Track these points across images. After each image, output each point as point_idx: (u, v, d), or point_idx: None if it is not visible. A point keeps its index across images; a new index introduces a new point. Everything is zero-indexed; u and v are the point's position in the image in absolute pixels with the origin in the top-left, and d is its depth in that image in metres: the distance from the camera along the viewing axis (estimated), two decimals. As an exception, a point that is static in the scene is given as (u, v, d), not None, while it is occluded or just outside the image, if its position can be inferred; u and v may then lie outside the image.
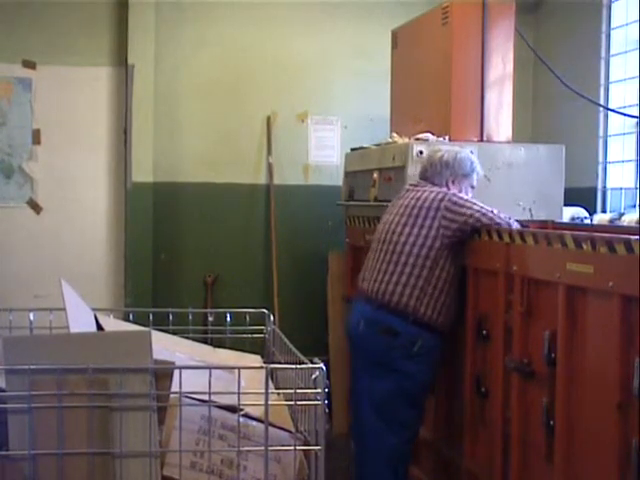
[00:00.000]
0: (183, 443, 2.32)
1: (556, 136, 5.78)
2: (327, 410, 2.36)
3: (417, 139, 4.53)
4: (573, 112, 5.82)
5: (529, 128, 6.38)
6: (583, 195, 5.46)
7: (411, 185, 4.00)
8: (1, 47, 5.98)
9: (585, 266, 2.86)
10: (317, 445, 2.35)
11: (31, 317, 2.99)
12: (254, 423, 2.43)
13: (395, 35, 5.42)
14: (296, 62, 6.35)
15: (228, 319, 3.27)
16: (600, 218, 4.77)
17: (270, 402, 2.30)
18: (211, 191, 6.26)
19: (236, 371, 2.31)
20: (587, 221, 4.65)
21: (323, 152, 6.43)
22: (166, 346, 2.76)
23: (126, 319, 3.43)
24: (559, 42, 6.13)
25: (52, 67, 6.08)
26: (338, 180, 5.78)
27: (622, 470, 2.70)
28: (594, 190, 5.73)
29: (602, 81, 5.70)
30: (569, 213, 4.69)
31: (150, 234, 6.10)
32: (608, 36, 5.72)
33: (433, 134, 4.55)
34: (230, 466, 2.40)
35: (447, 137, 4.55)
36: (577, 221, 4.54)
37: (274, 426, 2.43)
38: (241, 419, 2.39)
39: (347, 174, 5.47)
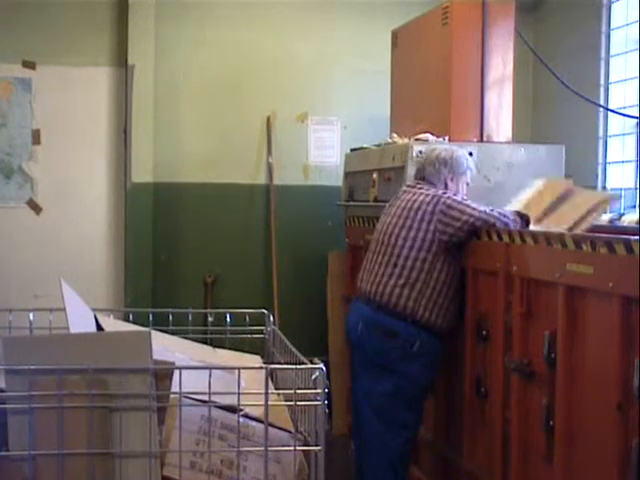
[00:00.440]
0: (183, 443, 2.32)
1: (556, 136, 5.78)
2: (327, 410, 2.36)
3: (417, 139, 4.53)
4: (573, 112, 5.82)
5: (529, 128, 6.38)
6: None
7: (408, 186, 4.00)
8: (1, 47, 5.97)
9: (585, 266, 2.86)
10: (317, 445, 2.35)
11: (31, 317, 2.99)
12: (254, 423, 2.43)
13: (395, 35, 5.42)
14: (296, 62, 6.35)
15: (228, 319, 3.27)
16: (600, 219, 4.77)
17: (270, 402, 2.30)
18: (211, 191, 6.26)
19: (236, 371, 2.31)
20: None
21: (323, 152, 6.43)
22: (166, 346, 2.76)
23: (126, 319, 3.43)
24: (559, 42, 6.12)
25: (52, 67, 6.08)
26: (338, 180, 5.78)
27: (622, 471, 2.70)
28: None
29: (602, 81, 5.70)
30: (569, 213, 4.68)
31: (150, 234, 6.10)
32: (608, 36, 5.72)
33: (433, 134, 4.56)
34: (230, 466, 2.40)
35: (447, 137, 4.55)
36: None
37: (274, 426, 2.43)
38: (241, 419, 2.39)
39: (347, 174, 5.47)
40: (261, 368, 2.62)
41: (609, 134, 5.72)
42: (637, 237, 2.63)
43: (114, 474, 2.26)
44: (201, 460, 2.39)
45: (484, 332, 3.68)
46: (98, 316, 2.85)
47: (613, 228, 4.04)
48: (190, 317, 3.28)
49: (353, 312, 4.00)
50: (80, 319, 2.65)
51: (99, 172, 6.23)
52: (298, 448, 2.41)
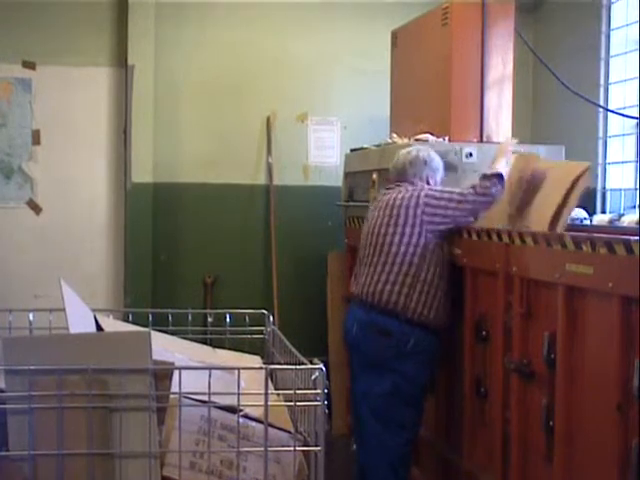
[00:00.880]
0: (183, 444, 2.33)
1: (556, 137, 5.78)
2: (327, 411, 2.36)
3: (417, 140, 4.53)
4: (573, 113, 5.82)
5: (529, 129, 6.38)
6: (583, 196, 5.42)
7: (388, 188, 4.05)
8: (1, 47, 5.98)
9: (585, 267, 2.86)
10: (317, 446, 2.35)
11: (31, 317, 2.99)
12: (254, 424, 2.43)
13: (395, 35, 5.42)
14: (296, 62, 6.35)
15: (228, 320, 3.27)
16: (600, 219, 4.77)
17: (270, 403, 2.30)
18: (211, 192, 6.27)
19: (236, 372, 2.31)
20: (587, 222, 4.65)
21: (323, 153, 6.43)
22: (165, 347, 2.76)
23: (125, 320, 3.43)
24: (559, 43, 6.13)
25: (52, 67, 6.08)
26: (338, 181, 5.78)
27: (621, 471, 2.70)
28: (594, 191, 5.72)
29: (602, 82, 5.70)
30: (569, 214, 4.68)
31: (150, 234, 6.10)
32: (608, 37, 5.72)
33: (433, 135, 4.56)
34: (230, 467, 2.40)
35: (447, 138, 4.55)
36: (577, 222, 4.53)
37: (274, 427, 2.43)
38: (241, 420, 2.39)
39: (347, 175, 5.47)
40: (261, 368, 2.62)
41: (609, 134, 5.72)
42: (637, 237, 2.63)
43: (114, 474, 2.27)
44: (201, 460, 2.39)
45: (484, 332, 3.68)
46: (98, 316, 2.85)
47: (613, 228, 4.04)
48: (190, 317, 3.28)
49: (348, 315, 4.03)
50: (80, 319, 2.65)
51: (99, 172, 6.23)
52: (298, 448, 2.41)
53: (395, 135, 4.94)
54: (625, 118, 5.45)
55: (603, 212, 5.51)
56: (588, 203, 5.38)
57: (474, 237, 3.76)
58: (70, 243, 6.17)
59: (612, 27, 5.71)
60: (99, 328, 2.76)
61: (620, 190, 5.58)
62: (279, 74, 6.34)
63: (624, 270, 2.65)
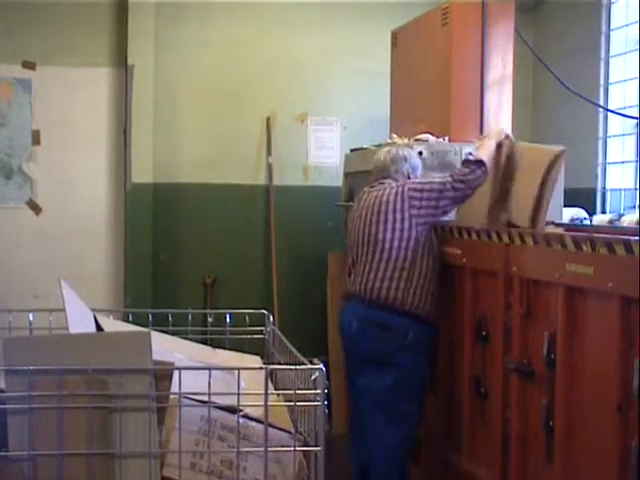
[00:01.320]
0: (183, 444, 2.32)
1: (556, 137, 5.77)
2: (326, 411, 2.36)
3: (417, 140, 4.53)
4: (573, 113, 5.82)
5: (529, 129, 6.38)
6: (583, 196, 5.46)
7: (370, 187, 4.11)
8: (1, 48, 5.97)
9: (585, 267, 2.86)
10: (317, 446, 2.35)
11: (31, 318, 2.99)
12: (254, 424, 2.43)
13: (395, 35, 5.42)
14: (296, 63, 6.35)
15: (228, 320, 3.27)
16: (600, 219, 4.77)
17: (270, 403, 2.30)
18: (211, 192, 6.26)
19: (236, 372, 2.31)
20: (587, 222, 4.65)
21: (323, 153, 6.43)
22: (165, 347, 2.76)
23: (125, 320, 3.43)
24: (559, 43, 6.13)
25: (52, 68, 6.08)
26: (338, 181, 5.78)
27: (621, 471, 2.70)
28: (594, 191, 5.73)
29: (602, 82, 5.70)
30: (569, 214, 4.68)
31: (150, 235, 6.10)
32: (608, 37, 5.73)
33: (433, 135, 4.55)
34: (230, 467, 2.40)
35: (447, 138, 4.55)
36: (577, 222, 4.54)
37: (274, 427, 2.43)
38: (241, 420, 2.39)
39: (347, 175, 5.47)
40: (261, 369, 2.62)
41: (609, 134, 5.72)
42: (637, 238, 2.63)
43: (114, 474, 2.26)
44: (201, 460, 2.39)
45: (484, 332, 3.68)
46: (98, 316, 2.85)
47: (613, 228, 4.04)
48: (190, 317, 3.28)
49: (346, 312, 4.07)
50: (80, 319, 2.65)
51: (99, 172, 6.23)
52: (298, 448, 2.41)
53: (395, 135, 4.93)
54: (625, 118, 5.46)
55: (603, 212, 5.52)
56: (588, 203, 5.39)
57: (474, 237, 3.77)
58: (70, 243, 6.16)
59: (612, 27, 5.71)
60: (99, 328, 2.76)
61: (620, 190, 5.59)
62: (279, 74, 6.34)
63: (624, 270, 2.65)
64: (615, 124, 5.69)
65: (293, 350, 2.74)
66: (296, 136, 6.39)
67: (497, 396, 3.55)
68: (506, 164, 3.85)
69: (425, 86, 4.97)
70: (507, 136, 3.94)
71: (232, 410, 2.39)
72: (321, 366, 2.34)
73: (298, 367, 2.46)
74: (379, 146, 5.01)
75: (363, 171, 5.09)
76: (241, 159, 6.32)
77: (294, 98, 6.37)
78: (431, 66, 4.90)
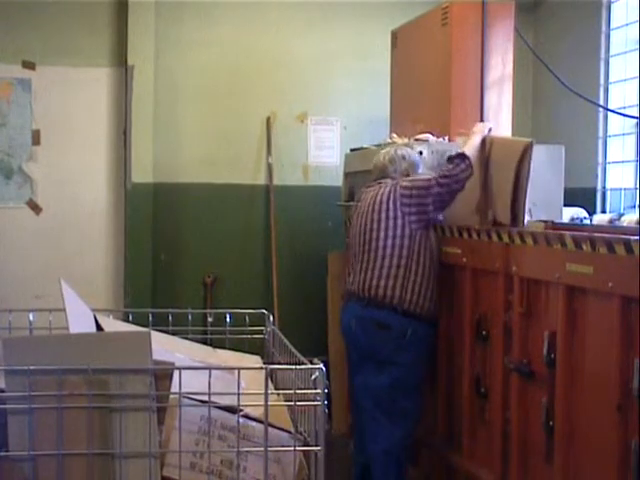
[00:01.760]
0: (183, 444, 2.33)
1: (556, 136, 5.78)
2: (327, 411, 2.36)
3: (417, 139, 4.53)
4: (573, 112, 5.82)
5: (529, 128, 6.37)
6: (583, 195, 5.46)
7: (368, 186, 4.19)
8: (1, 48, 5.97)
9: (585, 267, 2.86)
10: (317, 446, 2.35)
11: (31, 318, 2.99)
12: (254, 424, 2.44)
13: (395, 35, 5.41)
14: (296, 62, 6.35)
15: (228, 320, 3.27)
16: (600, 219, 4.76)
17: (270, 403, 2.30)
18: (211, 191, 6.26)
19: (236, 372, 2.31)
20: (587, 222, 4.65)
21: (323, 153, 6.43)
22: (166, 347, 2.76)
23: (125, 319, 3.44)
24: (559, 42, 6.13)
25: (52, 68, 6.07)
26: (338, 181, 5.78)
27: (621, 471, 2.70)
28: (594, 191, 5.73)
29: (602, 81, 5.70)
30: (569, 214, 4.68)
31: (150, 234, 6.10)
32: (608, 36, 5.72)
33: (433, 134, 4.55)
34: (230, 467, 2.40)
35: (447, 137, 4.55)
36: (577, 222, 4.53)
37: (274, 427, 2.43)
38: (241, 420, 2.39)
39: (347, 175, 5.46)
40: (261, 368, 2.62)
41: (609, 134, 5.72)
42: (637, 237, 2.63)
43: (114, 474, 2.26)
44: (201, 460, 2.39)
45: (484, 332, 3.68)
46: (98, 316, 2.85)
47: (613, 228, 4.04)
48: (190, 317, 3.28)
49: (345, 312, 4.12)
50: (80, 319, 2.65)
51: (99, 172, 6.23)
52: (298, 448, 2.41)
53: (395, 135, 4.93)
54: (625, 118, 5.45)
55: (603, 212, 5.51)
56: (588, 203, 5.39)
57: (474, 237, 3.77)
58: (70, 243, 6.16)
59: (612, 27, 5.71)
60: (99, 328, 2.76)
61: (620, 190, 5.59)
62: (279, 74, 6.34)
63: (624, 270, 2.65)
64: (615, 124, 5.68)
65: (293, 350, 2.74)
66: (296, 136, 6.39)
67: (497, 396, 3.56)
68: (485, 159, 3.88)
69: (425, 86, 4.97)
70: (490, 130, 3.98)
71: (232, 410, 2.40)
72: (321, 366, 2.35)
73: (298, 367, 2.46)
74: (379, 146, 5.01)
75: (363, 171, 5.09)
76: (241, 159, 6.32)
77: (294, 98, 6.37)
78: (431, 66, 4.90)
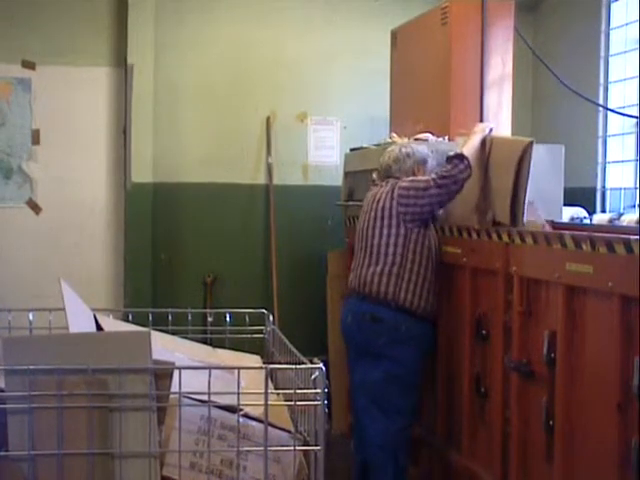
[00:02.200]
0: (183, 443, 2.32)
1: (555, 136, 5.78)
2: (326, 410, 2.36)
3: (417, 139, 4.52)
4: (572, 112, 5.82)
5: (528, 128, 6.37)
6: (583, 195, 5.46)
7: (374, 185, 4.23)
8: (0, 47, 5.97)
9: (584, 266, 2.86)
10: (317, 445, 2.35)
11: (30, 317, 2.99)
12: (254, 423, 2.44)
13: (394, 35, 5.41)
14: (295, 62, 6.35)
15: (227, 319, 3.27)
16: (599, 218, 4.77)
17: (270, 402, 2.30)
18: (210, 191, 6.26)
19: (235, 371, 2.31)
20: (586, 221, 4.65)
21: (323, 152, 6.43)
22: (165, 346, 2.76)
23: (125, 319, 3.43)
24: (558, 42, 6.12)
25: (51, 67, 6.07)
26: (338, 180, 5.78)
27: (621, 470, 2.70)
28: (593, 190, 5.73)
29: (601, 81, 5.70)
30: (568, 213, 4.68)
31: (149, 234, 6.10)
32: (607, 36, 5.72)
33: (433, 134, 4.55)
34: (230, 466, 2.40)
35: (446, 137, 4.55)
36: (576, 221, 4.53)
37: (274, 426, 2.43)
38: (241, 419, 2.39)
39: (347, 174, 5.46)
40: (261, 368, 2.62)
41: (608, 133, 5.72)
42: (637, 237, 2.63)
43: (114, 474, 2.26)
44: (201, 460, 2.39)
45: (484, 332, 3.68)
46: (98, 316, 2.85)
47: (613, 228, 4.04)
48: (190, 317, 3.28)
49: (344, 308, 4.19)
50: (80, 319, 2.65)
51: (99, 172, 6.23)
52: (298, 448, 2.41)
53: (395, 134, 4.93)
54: (625, 117, 5.45)
55: (603, 211, 5.52)
56: (588, 202, 5.39)
57: (474, 236, 3.77)
58: (70, 243, 6.16)
59: (612, 26, 5.71)
60: (99, 328, 2.76)
61: (620, 189, 5.59)
62: (279, 73, 6.34)
63: (624, 269, 2.66)
64: (615, 123, 5.68)
65: (293, 349, 2.74)
66: (296, 135, 6.38)
67: (497, 395, 3.56)
68: (487, 159, 3.88)
69: (425, 85, 4.97)
70: (491, 131, 3.99)
71: (232, 409, 2.39)
72: (321, 365, 2.35)
73: (298, 366, 2.46)
74: (379, 145, 5.01)
75: (363, 170, 5.09)
76: (241, 158, 6.31)
77: (294, 97, 6.37)
78: (431, 65, 4.90)
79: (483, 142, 3.94)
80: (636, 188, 5.39)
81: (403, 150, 4.17)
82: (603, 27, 5.72)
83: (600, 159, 5.74)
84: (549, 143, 4.89)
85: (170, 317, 3.22)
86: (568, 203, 4.66)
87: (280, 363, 2.91)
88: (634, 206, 5.31)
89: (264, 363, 3.09)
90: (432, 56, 4.88)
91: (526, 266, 3.33)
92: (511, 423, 3.42)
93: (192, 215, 6.26)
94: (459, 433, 3.92)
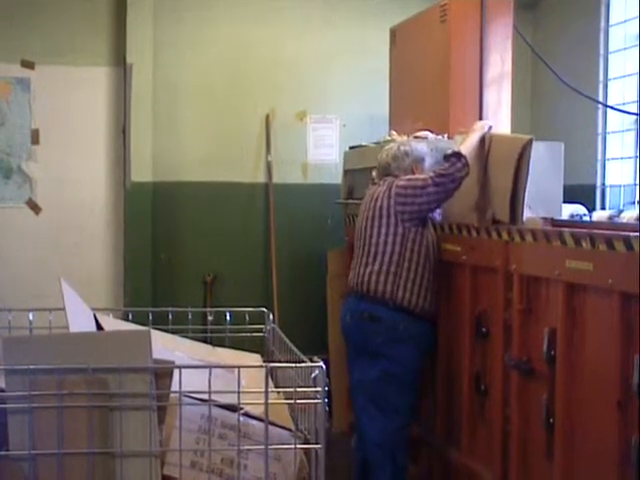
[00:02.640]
0: (183, 442, 2.32)
1: (555, 133, 5.77)
2: (327, 408, 2.36)
3: (416, 137, 4.52)
4: (572, 109, 5.82)
5: (528, 125, 6.37)
6: (582, 192, 5.46)
7: (373, 184, 4.23)
8: (0, 47, 5.97)
9: (584, 263, 2.86)
10: (317, 443, 2.35)
11: (30, 317, 2.99)
12: (254, 422, 2.44)
13: (394, 33, 5.41)
14: (295, 60, 6.35)
15: (228, 318, 3.27)
16: (599, 215, 4.76)
17: (270, 401, 2.30)
18: (210, 190, 6.26)
19: (236, 370, 2.31)
20: (586, 218, 4.65)
21: (322, 150, 6.43)
22: (166, 345, 2.76)
23: (125, 319, 3.43)
24: (558, 39, 6.12)
25: (51, 67, 6.07)
26: (337, 178, 5.78)
27: (621, 467, 2.70)
28: (593, 187, 5.73)
29: (601, 78, 5.70)
30: (568, 210, 4.68)
31: (149, 233, 6.10)
32: (607, 33, 5.72)
33: (432, 132, 4.55)
34: (230, 465, 2.40)
35: (446, 135, 4.55)
36: (576, 218, 4.53)
37: (274, 425, 2.43)
38: (241, 418, 2.39)
39: (346, 172, 5.46)
40: (261, 367, 2.62)
41: (608, 131, 5.72)
42: (637, 234, 2.63)
43: (114, 473, 2.26)
44: (201, 459, 2.39)
45: (484, 329, 3.68)
46: (98, 316, 2.85)
47: (612, 225, 4.04)
48: (190, 316, 3.28)
49: (343, 307, 4.19)
50: (80, 319, 2.65)
51: (98, 171, 6.23)
52: (298, 446, 2.41)
53: (394, 132, 4.93)
54: (624, 114, 5.45)
55: (603, 208, 5.52)
56: (588, 200, 5.39)
57: (474, 234, 3.77)
58: (70, 243, 6.16)
59: (611, 23, 5.71)
60: (99, 327, 2.76)
61: (619, 186, 5.59)
62: (278, 72, 6.33)
63: (624, 266, 2.65)
64: (614, 120, 5.68)
65: (293, 348, 2.74)
66: (295, 134, 6.38)
67: (497, 393, 3.56)
68: (486, 157, 3.88)
69: (424, 83, 4.97)
70: (490, 128, 3.98)
71: (232, 408, 2.39)
72: (321, 364, 2.35)
73: (298, 365, 2.46)
74: (378, 144, 5.01)
75: (362, 168, 5.09)
76: (240, 157, 6.31)
77: (293, 96, 6.36)
78: (430, 63, 4.90)
79: (482, 140, 3.93)
80: (636, 185, 5.39)
81: (401, 148, 4.17)
82: (602, 24, 5.72)
83: (600, 156, 5.74)
84: (548, 140, 4.89)
85: (170, 316, 3.22)
86: (568, 200, 4.65)
87: (280, 362, 2.91)
88: (634, 203, 5.31)
89: (264, 362, 3.09)
90: (431, 54, 4.88)
91: (526, 264, 3.33)
92: (511, 421, 3.42)
93: (192, 214, 6.26)
94: (459, 431, 3.92)
